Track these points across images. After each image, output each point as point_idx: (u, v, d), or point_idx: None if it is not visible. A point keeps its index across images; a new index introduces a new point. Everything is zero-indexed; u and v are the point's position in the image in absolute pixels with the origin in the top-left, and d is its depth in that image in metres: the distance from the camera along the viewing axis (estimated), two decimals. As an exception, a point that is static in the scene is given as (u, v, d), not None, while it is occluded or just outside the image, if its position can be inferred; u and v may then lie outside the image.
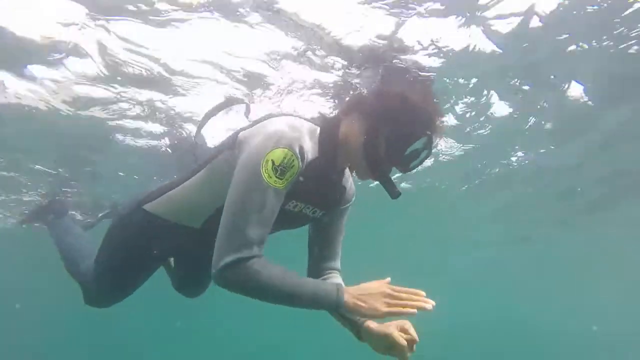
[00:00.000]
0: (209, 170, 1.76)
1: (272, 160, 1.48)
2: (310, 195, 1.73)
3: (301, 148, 1.54)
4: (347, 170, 1.92)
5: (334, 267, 1.98)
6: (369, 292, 1.49)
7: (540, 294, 24.35)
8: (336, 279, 1.94)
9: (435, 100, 1.81)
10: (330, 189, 1.85)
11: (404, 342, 1.51)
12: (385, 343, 1.55)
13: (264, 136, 1.53)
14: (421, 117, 1.65)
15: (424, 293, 1.47)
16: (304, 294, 1.48)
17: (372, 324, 1.62)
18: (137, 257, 2.07)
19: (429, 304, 1.43)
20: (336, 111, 1.88)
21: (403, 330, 1.56)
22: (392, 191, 1.68)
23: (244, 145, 1.59)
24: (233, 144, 1.66)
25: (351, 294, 1.49)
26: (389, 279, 1.55)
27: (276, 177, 1.48)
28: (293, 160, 1.51)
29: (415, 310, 1.42)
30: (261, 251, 1.49)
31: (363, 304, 1.47)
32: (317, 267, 1.97)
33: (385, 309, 1.44)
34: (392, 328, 1.56)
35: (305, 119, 1.72)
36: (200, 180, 1.78)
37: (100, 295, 2.32)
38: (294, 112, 1.94)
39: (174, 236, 1.91)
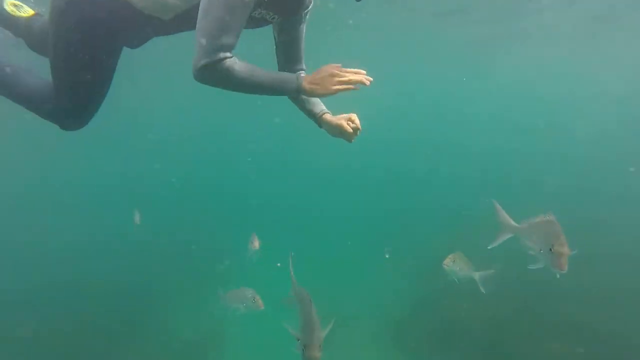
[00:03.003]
0: None
1: None
2: (273, 4, 1.97)
3: None
4: None
5: (300, 68, 2.33)
6: (321, 75, 1.88)
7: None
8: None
9: None
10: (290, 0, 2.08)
11: (351, 130, 2.06)
12: (338, 130, 2.10)
13: None
14: None
15: (364, 72, 1.88)
16: (270, 82, 1.87)
17: (328, 117, 2.16)
18: (93, 46, 2.09)
19: (368, 80, 1.86)
20: None
21: (350, 120, 2.08)
22: None
23: None
24: None
25: (307, 80, 1.90)
26: (340, 64, 1.90)
27: None
28: None
29: (358, 87, 1.86)
30: (231, 53, 1.79)
31: (317, 86, 1.88)
32: (285, 68, 2.31)
33: (335, 87, 1.87)
34: (342, 120, 2.10)
35: None
36: None
37: (69, 109, 2.28)
38: None
39: (141, 24, 2.09)
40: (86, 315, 6.11)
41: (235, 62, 1.80)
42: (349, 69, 1.89)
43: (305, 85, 1.89)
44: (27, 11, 2.52)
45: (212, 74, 1.79)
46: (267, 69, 1.89)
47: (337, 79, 1.87)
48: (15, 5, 2.52)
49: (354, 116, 2.08)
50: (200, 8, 1.77)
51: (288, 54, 2.30)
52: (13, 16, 2.47)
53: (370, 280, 7.02)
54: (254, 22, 2.04)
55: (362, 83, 1.87)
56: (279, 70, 2.31)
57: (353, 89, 1.87)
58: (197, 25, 1.77)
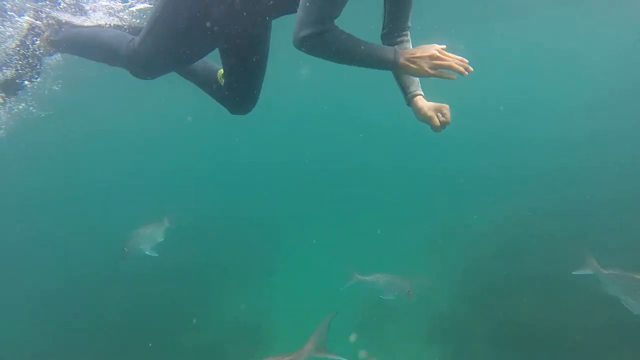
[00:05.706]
0: None
1: None
2: None
3: None
4: None
5: (406, 25, 2.14)
6: (420, 55, 1.77)
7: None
8: (405, 38, 2.14)
9: None
10: None
11: (438, 123, 1.88)
12: (425, 119, 1.92)
13: None
14: None
15: (467, 61, 1.73)
16: (367, 56, 1.80)
17: (420, 101, 1.97)
18: (198, 28, 2.15)
19: (468, 71, 1.71)
20: None
21: (442, 113, 1.89)
22: None
23: None
24: None
25: (405, 57, 1.79)
26: (444, 45, 1.78)
27: None
28: None
29: (455, 76, 1.74)
30: (332, 25, 1.76)
31: (413, 65, 1.78)
32: (392, 24, 2.13)
33: (431, 70, 1.75)
34: (432, 112, 1.90)
35: None
36: None
37: (150, 59, 2.35)
38: None
39: (249, 8, 2.12)
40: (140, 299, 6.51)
41: (333, 35, 1.76)
42: (452, 55, 1.76)
43: (402, 60, 1.79)
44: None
45: (311, 45, 1.78)
46: (365, 42, 1.82)
47: (436, 62, 1.75)
48: None
49: (446, 109, 1.90)
50: None
51: (395, 12, 2.11)
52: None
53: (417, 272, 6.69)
54: None
55: (461, 73, 1.73)
56: (384, 25, 2.16)
57: (449, 77, 1.76)
58: None
